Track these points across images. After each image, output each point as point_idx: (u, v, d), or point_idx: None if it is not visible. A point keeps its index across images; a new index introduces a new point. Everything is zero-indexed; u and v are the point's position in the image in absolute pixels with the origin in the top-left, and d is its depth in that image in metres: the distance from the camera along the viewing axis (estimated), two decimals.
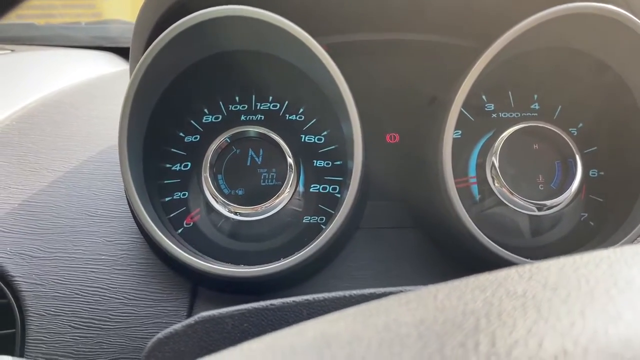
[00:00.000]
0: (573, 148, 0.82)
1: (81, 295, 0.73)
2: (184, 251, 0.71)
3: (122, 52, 1.52)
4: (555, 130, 0.82)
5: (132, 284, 0.75)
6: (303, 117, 0.86)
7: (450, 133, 0.72)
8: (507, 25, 0.73)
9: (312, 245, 0.72)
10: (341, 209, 0.73)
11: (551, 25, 0.69)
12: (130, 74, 0.81)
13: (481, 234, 0.72)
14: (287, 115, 0.86)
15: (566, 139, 0.82)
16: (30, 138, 0.89)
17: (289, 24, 0.71)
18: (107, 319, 0.72)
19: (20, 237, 0.76)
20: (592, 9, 0.68)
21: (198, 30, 0.70)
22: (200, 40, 0.73)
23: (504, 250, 0.72)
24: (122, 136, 0.70)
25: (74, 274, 0.74)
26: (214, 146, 0.81)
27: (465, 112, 0.85)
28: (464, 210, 0.72)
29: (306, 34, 0.72)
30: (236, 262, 0.78)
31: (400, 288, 0.53)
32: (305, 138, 0.86)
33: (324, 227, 0.82)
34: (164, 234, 0.71)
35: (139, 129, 0.75)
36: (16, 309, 0.72)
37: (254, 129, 0.82)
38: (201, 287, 0.77)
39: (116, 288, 0.74)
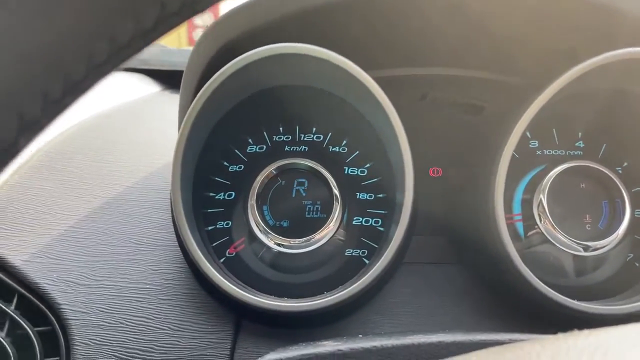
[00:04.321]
0: (621, 188, 0.81)
1: (127, 324, 0.72)
2: (231, 283, 0.71)
3: (154, 73, 1.54)
4: (603, 169, 0.82)
5: (177, 314, 0.74)
6: (346, 148, 0.87)
7: (503, 174, 0.72)
8: (559, 66, 0.74)
9: (360, 281, 0.71)
10: (390, 244, 0.72)
11: (608, 69, 0.69)
12: (181, 111, 0.82)
13: (530, 273, 0.72)
14: (331, 147, 0.86)
15: (614, 178, 0.81)
16: (74, 163, 0.90)
17: (342, 60, 0.72)
18: (152, 350, 0.71)
19: (66, 264, 0.76)
20: None
21: (251, 68, 0.71)
22: (253, 77, 0.74)
23: (552, 290, 0.72)
24: (176, 168, 0.71)
25: (119, 303, 0.74)
26: (261, 177, 0.81)
27: None
28: (514, 250, 0.72)
29: (358, 68, 0.73)
30: (277, 294, 0.78)
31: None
32: (349, 170, 0.86)
33: (366, 260, 0.82)
34: (210, 264, 0.71)
35: (191, 161, 0.76)
36: (61, 337, 0.72)
37: (302, 162, 0.83)
38: (244, 320, 0.77)
39: (161, 318, 0.73)
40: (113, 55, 0.30)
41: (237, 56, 0.72)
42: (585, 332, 0.43)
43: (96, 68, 0.30)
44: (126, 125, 1.11)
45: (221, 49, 0.76)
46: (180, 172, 0.71)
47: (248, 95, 0.80)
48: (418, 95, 0.92)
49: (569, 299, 0.70)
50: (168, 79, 1.48)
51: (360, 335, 0.65)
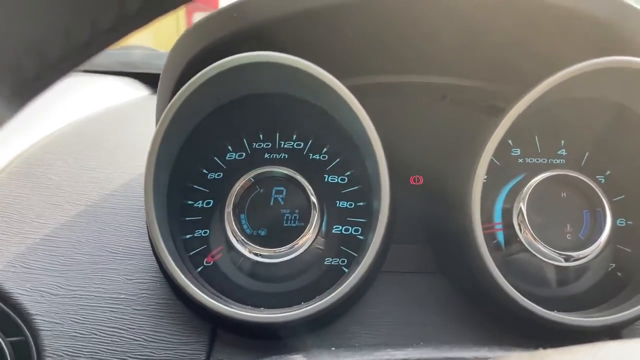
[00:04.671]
0: (602, 198, 0.80)
1: (100, 335, 0.72)
2: (204, 292, 0.70)
3: (143, 77, 1.53)
4: (584, 179, 0.81)
5: (151, 324, 0.73)
6: (326, 156, 0.86)
7: (479, 182, 0.71)
8: (537, 73, 0.73)
9: (337, 291, 0.70)
10: (367, 253, 0.71)
11: (586, 77, 0.68)
12: (158, 114, 0.82)
13: (507, 284, 0.71)
14: (311, 155, 0.86)
15: (595, 188, 0.81)
16: (53, 169, 0.89)
17: (315, 68, 0.72)
18: None
19: (40, 274, 0.75)
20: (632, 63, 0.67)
21: (226, 76, 0.71)
22: (227, 84, 0.74)
23: (529, 301, 0.71)
24: (149, 174, 0.70)
25: (93, 313, 0.73)
26: (238, 185, 0.81)
27: (492, 157, 0.84)
28: (491, 259, 0.71)
29: (331, 77, 0.72)
30: (256, 303, 0.77)
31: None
32: (329, 178, 0.85)
33: (345, 269, 0.81)
34: (184, 274, 0.70)
35: (165, 167, 0.75)
36: (33, 347, 0.71)
37: (278, 170, 0.82)
38: (220, 330, 0.76)
39: (135, 329, 0.73)
40: (95, 39, 0.29)
41: (214, 61, 0.71)
42: (549, 351, 0.42)
43: (76, 49, 0.29)
44: (111, 130, 1.10)
45: (197, 54, 0.75)
46: (152, 179, 0.70)
47: (226, 102, 0.80)
48: (408, 101, 0.91)
49: (545, 310, 0.69)
50: (157, 82, 1.47)
51: (333, 348, 0.64)
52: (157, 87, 1.46)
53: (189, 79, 0.71)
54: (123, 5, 0.28)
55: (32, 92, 0.30)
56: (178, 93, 0.70)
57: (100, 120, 1.12)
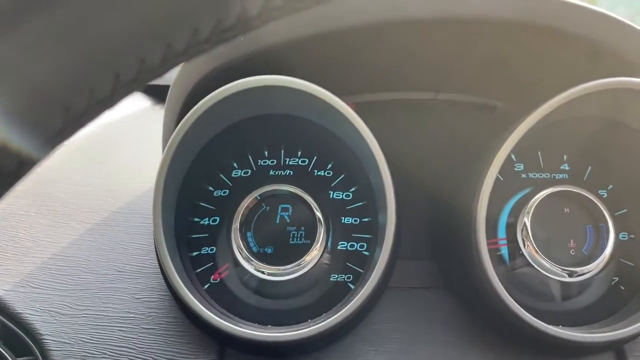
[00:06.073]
0: (605, 213, 0.81)
1: (109, 355, 0.72)
2: (212, 311, 0.71)
3: (145, 88, 1.53)
4: (587, 195, 0.82)
5: (160, 344, 0.74)
6: (331, 172, 0.86)
7: (485, 200, 0.72)
8: (540, 90, 0.74)
9: (345, 308, 0.71)
10: (375, 269, 0.72)
11: (590, 97, 0.69)
12: (165, 137, 0.82)
13: (511, 299, 0.72)
14: (316, 171, 0.86)
15: (597, 203, 0.81)
16: (59, 187, 0.90)
17: (316, 89, 0.72)
18: None
19: (49, 294, 0.76)
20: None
21: (230, 100, 0.71)
22: (232, 108, 0.74)
23: (531, 316, 0.71)
24: (157, 197, 0.71)
25: (102, 333, 0.74)
26: (244, 204, 0.81)
27: None
28: (495, 274, 0.72)
29: (333, 96, 0.73)
30: (263, 321, 0.78)
31: None
32: (334, 194, 0.85)
33: (351, 285, 0.82)
34: (191, 292, 0.71)
35: (173, 188, 0.76)
36: None
37: (284, 188, 0.82)
38: (228, 348, 0.76)
39: (144, 348, 0.73)
40: (168, 60, 0.29)
41: (219, 85, 0.72)
42: None
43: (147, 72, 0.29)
44: (115, 144, 1.11)
45: (204, 77, 0.76)
46: (161, 199, 0.71)
47: (231, 123, 0.80)
48: (411, 117, 0.92)
49: (548, 326, 0.70)
50: (160, 93, 1.47)
51: None
52: (158, 96, 1.46)
53: (197, 101, 0.72)
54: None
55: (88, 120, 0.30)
56: (185, 117, 0.71)
57: (103, 134, 1.12)
